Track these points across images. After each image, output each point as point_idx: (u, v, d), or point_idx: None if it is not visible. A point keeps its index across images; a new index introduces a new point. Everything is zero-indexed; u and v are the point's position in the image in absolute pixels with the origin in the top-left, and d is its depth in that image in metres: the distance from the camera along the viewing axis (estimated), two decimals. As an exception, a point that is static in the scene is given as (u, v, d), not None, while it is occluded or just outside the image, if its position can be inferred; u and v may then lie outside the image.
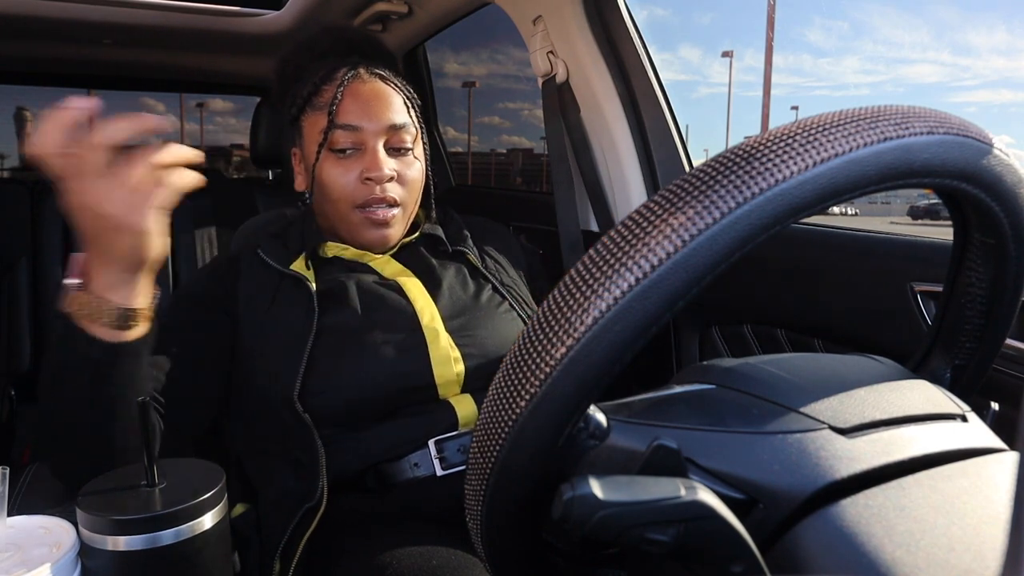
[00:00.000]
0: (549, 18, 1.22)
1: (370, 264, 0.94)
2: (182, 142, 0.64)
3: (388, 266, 0.95)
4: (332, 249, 0.95)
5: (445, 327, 0.87)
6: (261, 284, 0.90)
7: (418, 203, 0.97)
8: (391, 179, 0.90)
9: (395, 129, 0.91)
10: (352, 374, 0.82)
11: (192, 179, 0.64)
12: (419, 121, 0.95)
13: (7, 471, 0.54)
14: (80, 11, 1.35)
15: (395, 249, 0.97)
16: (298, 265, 0.91)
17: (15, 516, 0.57)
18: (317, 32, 0.99)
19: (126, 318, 0.64)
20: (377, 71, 0.93)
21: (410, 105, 0.94)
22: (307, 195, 0.97)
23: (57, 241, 1.43)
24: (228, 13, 1.41)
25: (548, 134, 1.30)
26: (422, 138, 0.96)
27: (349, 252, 0.94)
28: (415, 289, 0.90)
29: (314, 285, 0.88)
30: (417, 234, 0.99)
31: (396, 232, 0.93)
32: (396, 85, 0.94)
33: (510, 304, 0.95)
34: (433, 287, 0.92)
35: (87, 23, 1.42)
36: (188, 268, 1.49)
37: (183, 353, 0.84)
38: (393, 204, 0.91)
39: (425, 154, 0.97)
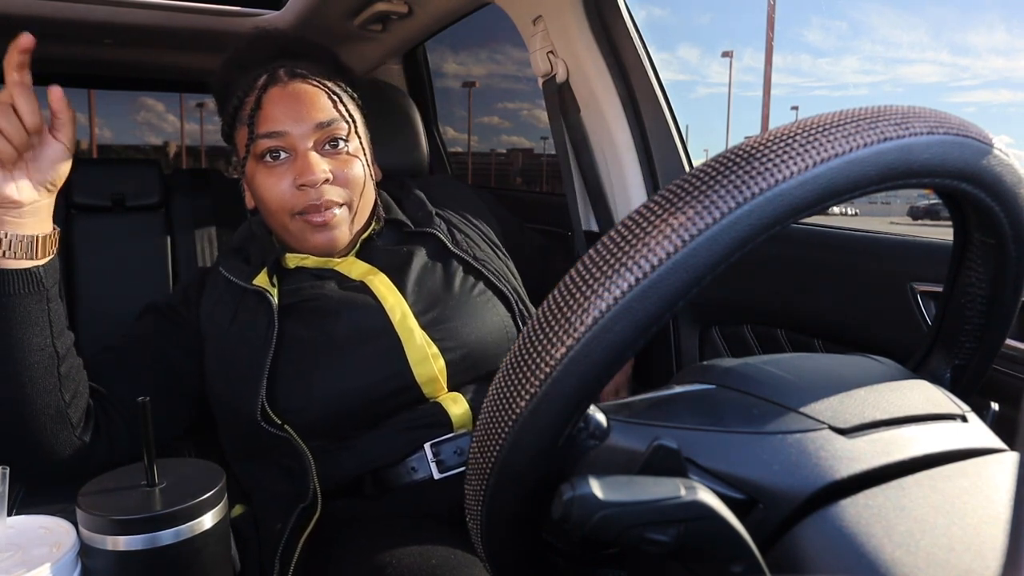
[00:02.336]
0: (549, 18, 1.22)
1: (335, 269, 0.91)
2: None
3: (354, 268, 0.91)
4: (294, 260, 0.92)
5: (419, 323, 0.84)
6: (224, 301, 0.88)
7: (367, 198, 0.91)
8: (326, 181, 0.85)
9: (323, 127, 0.86)
10: (327, 385, 0.81)
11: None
12: (352, 114, 0.90)
13: (7, 471, 0.54)
14: (80, 11, 1.35)
15: (357, 248, 0.93)
16: (261, 279, 0.88)
17: (15, 516, 0.57)
18: (243, 43, 0.94)
19: (33, 248, 0.71)
20: (298, 71, 0.88)
21: (337, 99, 0.88)
22: (256, 211, 0.93)
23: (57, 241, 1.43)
24: (228, 13, 1.41)
25: (554, 134, 1.30)
26: (356, 131, 0.90)
27: (311, 260, 0.91)
28: (383, 287, 0.87)
29: (276, 299, 0.85)
30: (374, 226, 0.95)
31: (342, 233, 0.89)
32: (318, 82, 0.88)
33: (486, 282, 0.92)
34: (402, 281, 0.88)
35: (87, 23, 1.42)
36: (188, 268, 1.49)
37: (143, 362, 0.84)
38: (334, 205, 0.86)
39: (363, 147, 0.91)
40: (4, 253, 0.70)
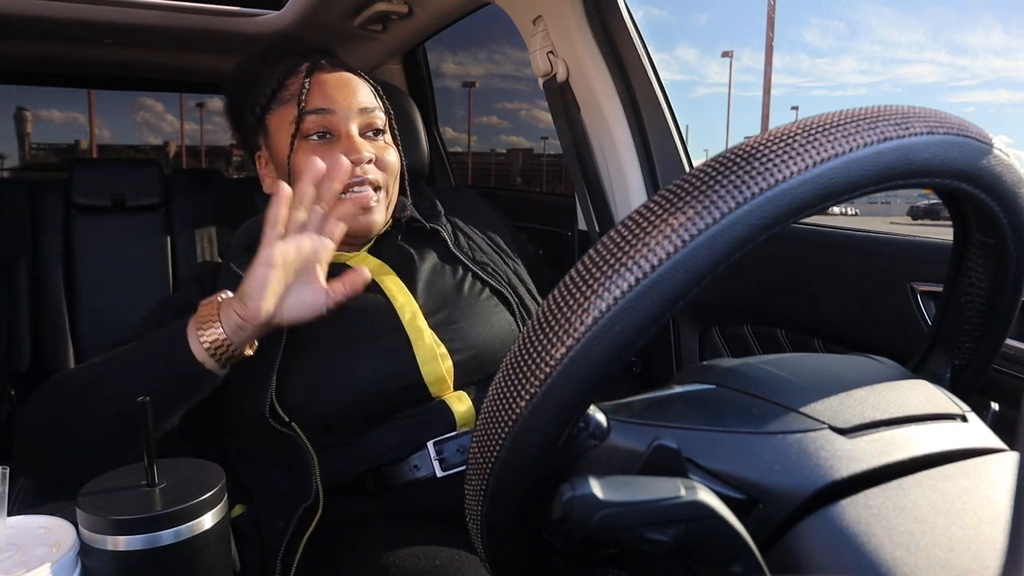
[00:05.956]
0: (549, 18, 1.22)
1: (347, 264, 0.92)
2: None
3: (365, 264, 0.92)
4: None
5: (428, 323, 0.86)
6: None
7: (397, 188, 0.95)
8: (370, 161, 0.88)
9: (366, 112, 0.90)
10: (335, 382, 0.81)
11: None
12: (388, 108, 0.95)
13: (7, 471, 0.53)
14: (80, 11, 1.35)
15: (371, 244, 0.95)
16: None
17: (15, 516, 0.57)
18: (268, 42, 0.98)
19: (232, 361, 0.73)
20: (339, 63, 0.93)
21: (377, 93, 0.94)
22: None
23: (57, 241, 1.43)
24: (228, 13, 1.41)
25: (559, 135, 1.30)
26: (391, 124, 0.95)
27: None
28: (394, 286, 0.89)
29: None
30: (390, 223, 0.97)
31: (379, 218, 0.91)
32: (359, 73, 0.93)
33: (489, 286, 0.94)
34: (412, 281, 0.90)
35: (87, 23, 1.42)
36: (188, 268, 1.49)
37: None
38: (376, 187, 0.89)
39: (396, 141, 0.95)
40: (211, 353, 0.71)
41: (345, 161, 0.72)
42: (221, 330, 0.71)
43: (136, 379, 0.73)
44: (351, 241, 0.93)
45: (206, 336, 0.71)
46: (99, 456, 0.72)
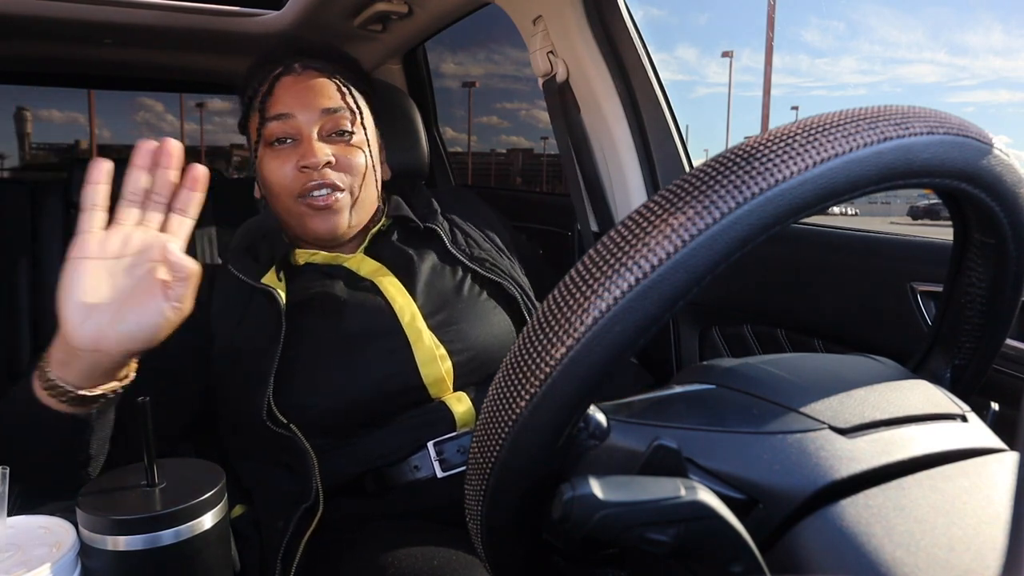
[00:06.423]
0: (549, 18, 1.22)
1: (344, 265, 0.92)
2: (182, 142, 0.62)
3: (363, 265, 0.92)
4: (303, 256, 0.92)
5: (427, 324, 0.85)
6: (233, 300, 0.88)
7: (370, 189, 0.92)
8: (328, 164, 0.86)
9: (328, 114, 0.88)
10: (333, 383, 0.81)
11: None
12: (359, 105, 0.92)
13: (7, 471, 0.53)
14: (80, 11, 1.35)
15: (366, 243, 0.94)
16: (269, 278, 0.88)
17: (15, 516, 0.57)
18: (266, 47, 0.97)
19: (83, 402, 0.60)
20: (312, 65, 0.91)
21: (346, 91, 0.91)
22: (263, 200, 0.94)
23: (57, 241, 1.43)
24: (228, 13, 1.41)
25: (556, 135, 1.30)
26: (362, 122, 0.92)
27: (320, 256, 0.92)
28: (392, 288, 0.88)
29: (284, 297, 0.85)
30: (383, 221, 0.96)
31: (344, 219, 0.89)
32: (329, 74, 0.91)
33: (491, 285, 0.93)
34: (411, 282, 0.89)
35: (87, 23, 1.42)
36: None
37: (148, 364, 0.83)
38: (336, 188, 0.87)
39: (368, 139, 0.93)
40: (51, 394, 0.60)
41: (172, 144, 0.60)
42: (50, 366, 0.60)
43: (10, 423, 0.65)
44: (320, 244, 0.92)
45: (45, 374, 0.60)
46: (45, 480, 0.69)
